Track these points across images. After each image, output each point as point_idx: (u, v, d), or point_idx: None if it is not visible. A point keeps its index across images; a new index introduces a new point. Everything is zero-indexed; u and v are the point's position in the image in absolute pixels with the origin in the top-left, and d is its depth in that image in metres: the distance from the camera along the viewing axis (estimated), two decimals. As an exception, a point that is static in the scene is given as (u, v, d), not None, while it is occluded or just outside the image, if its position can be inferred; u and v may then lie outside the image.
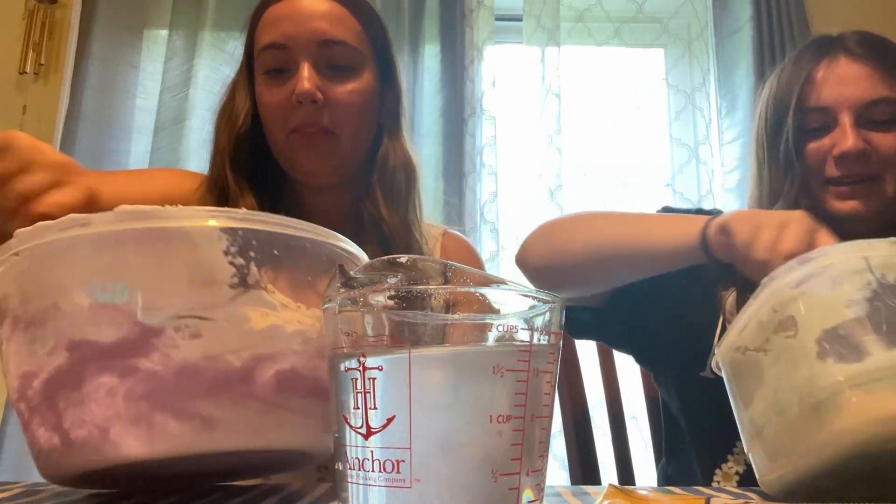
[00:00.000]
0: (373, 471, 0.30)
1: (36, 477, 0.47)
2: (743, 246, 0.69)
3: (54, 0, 1.93)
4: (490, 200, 1.81)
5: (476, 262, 1.03)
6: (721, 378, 0.54)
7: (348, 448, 0.31)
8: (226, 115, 0.89)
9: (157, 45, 1.95)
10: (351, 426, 0.31)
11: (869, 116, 0.82)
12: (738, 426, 0.52)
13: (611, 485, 0.40)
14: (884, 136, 0.82)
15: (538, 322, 0.33)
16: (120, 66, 1.89)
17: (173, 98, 1.85)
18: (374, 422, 0.30)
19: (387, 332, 0.31)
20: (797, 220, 0.68)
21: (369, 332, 0.32)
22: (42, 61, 1.91)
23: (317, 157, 0.85)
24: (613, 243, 0.82)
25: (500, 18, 1.97)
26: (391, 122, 0.90)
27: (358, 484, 0.31)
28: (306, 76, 0.81)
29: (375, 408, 0.30)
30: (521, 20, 1.96)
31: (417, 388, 0.30)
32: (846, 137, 0.81)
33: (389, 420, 0.30)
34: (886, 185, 0.82)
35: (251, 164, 0.88)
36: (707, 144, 1.88)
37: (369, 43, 0.87)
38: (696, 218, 0.78)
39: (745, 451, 0.52)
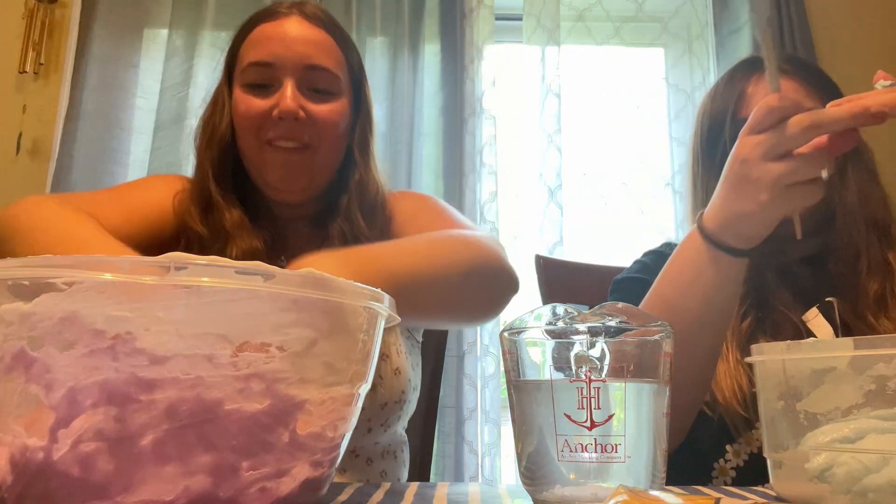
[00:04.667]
0: (595, 451, 0.43)
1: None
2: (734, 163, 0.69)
3: (54, -1, 1.94)
4: (490, 200, 1.81)
5: (428, 206, 0.97)
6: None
7: (568, 437, 0.44)
8: (208, 129, 0.92)
9: (156, 44, 1.95)
10: (574, 421, 0.44)
11: None
12: None
13: (620, 485, 0.40)
14: None
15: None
16: (120, 66, 1.89)
17: (173, 98, 1.85)
18: (598, 417, 0.44)
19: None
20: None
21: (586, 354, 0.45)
22: (42, 61, 1.91)
23: (289, 174, 0.88)
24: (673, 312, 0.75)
25: (500, 18, 1.97)
26: (364, 147, 0.94)
27: (575, 462, 0.44)
28: (290, 95, 0.84)
29: (599, 408, 0.44)
30: (521, 19, 1.97)
31: (630, 397, 0.45)
32: None
33: (610, 416, 0.44)
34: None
35: (233, 176, 0.91)
36: (707, 144, 1.88)
37: (348, 71, 0.92)
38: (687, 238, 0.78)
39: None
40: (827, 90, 0.91)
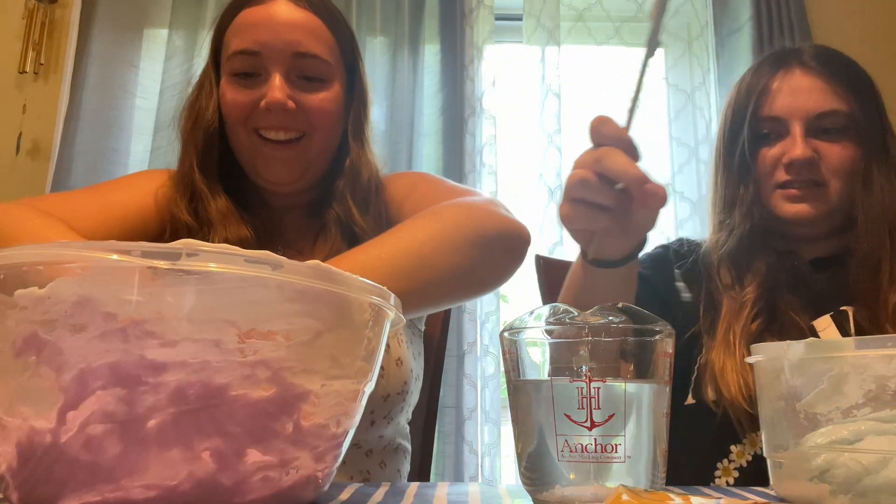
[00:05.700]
0: (595, 451, 0.43)
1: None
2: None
3: (54, -1, 1.94)
4: (490, 200, 1.81)
5: (423, 180, 0.96)
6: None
7: (568, 437, 0.44)
8: (193, 114, 0.89)
9: (156, 44, 1.95)
10: (574, 421, 0.44)
11: (818, 126, 0.86)
12: None
13: (620, 485, 0.40)
14: (831, 146, 0.86)
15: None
16: (120, 66, 1.89)
17: (173, 97, 1.85)
18: (598, 417, 0.44)
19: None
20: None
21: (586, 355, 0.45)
22: (42, 61, 1.91)
23: (282, 168, 0.86)
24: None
25: (500, 18, 1.97)
26: (358, 131, 0.91)
27: (576, 462, 0.44)
28: (277, 86, 0.82)
29: (599, 408, 0.44)
30: (521, 19, 1.97)
31: (630, 397, 0.44)
32: (796, 146, 0.85)
33: (610, 416, 0.44)
34: (831, 191, 0.86)
35: (219, 163, 0.88)
36: (707, 144, 1.88)
37: (340, 55, 0.88)
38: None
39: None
40: (854, 85, 0.88)
